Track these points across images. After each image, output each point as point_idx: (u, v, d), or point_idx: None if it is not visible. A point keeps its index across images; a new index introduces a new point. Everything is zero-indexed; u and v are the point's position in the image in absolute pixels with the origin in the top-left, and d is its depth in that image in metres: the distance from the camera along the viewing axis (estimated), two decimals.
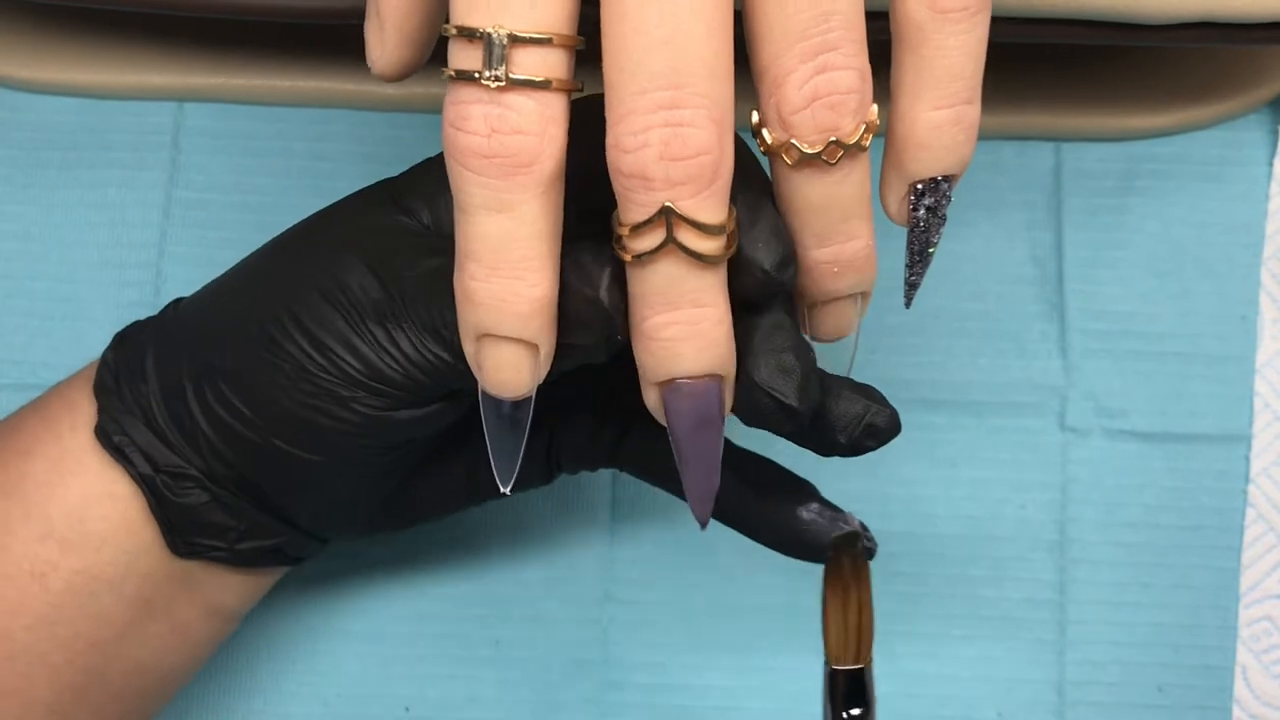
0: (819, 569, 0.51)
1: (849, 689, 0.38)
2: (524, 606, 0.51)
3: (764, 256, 0.34)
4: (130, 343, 0.41)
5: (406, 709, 0.51)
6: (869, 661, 0.38)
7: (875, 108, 0.32)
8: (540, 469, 0.44)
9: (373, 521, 0.43)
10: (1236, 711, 0.51)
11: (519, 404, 0.35)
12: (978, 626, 0.51)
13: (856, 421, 0.37)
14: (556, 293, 0.33)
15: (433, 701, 0.51)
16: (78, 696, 0.41)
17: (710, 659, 0.51)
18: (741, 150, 0.33)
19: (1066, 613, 0.51)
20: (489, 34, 0.31)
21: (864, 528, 0.41)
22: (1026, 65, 0.54)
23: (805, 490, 0.41)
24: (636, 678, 0.51)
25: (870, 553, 0.41)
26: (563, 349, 0.34)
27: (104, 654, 0.41)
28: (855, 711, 0.37)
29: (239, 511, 0.40)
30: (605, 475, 0.52)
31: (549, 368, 0.34)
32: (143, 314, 0.52)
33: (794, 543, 0.41)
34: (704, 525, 0.36)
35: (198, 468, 0.39)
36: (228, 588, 0.43)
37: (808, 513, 0.41)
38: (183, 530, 0.40)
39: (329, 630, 0.51)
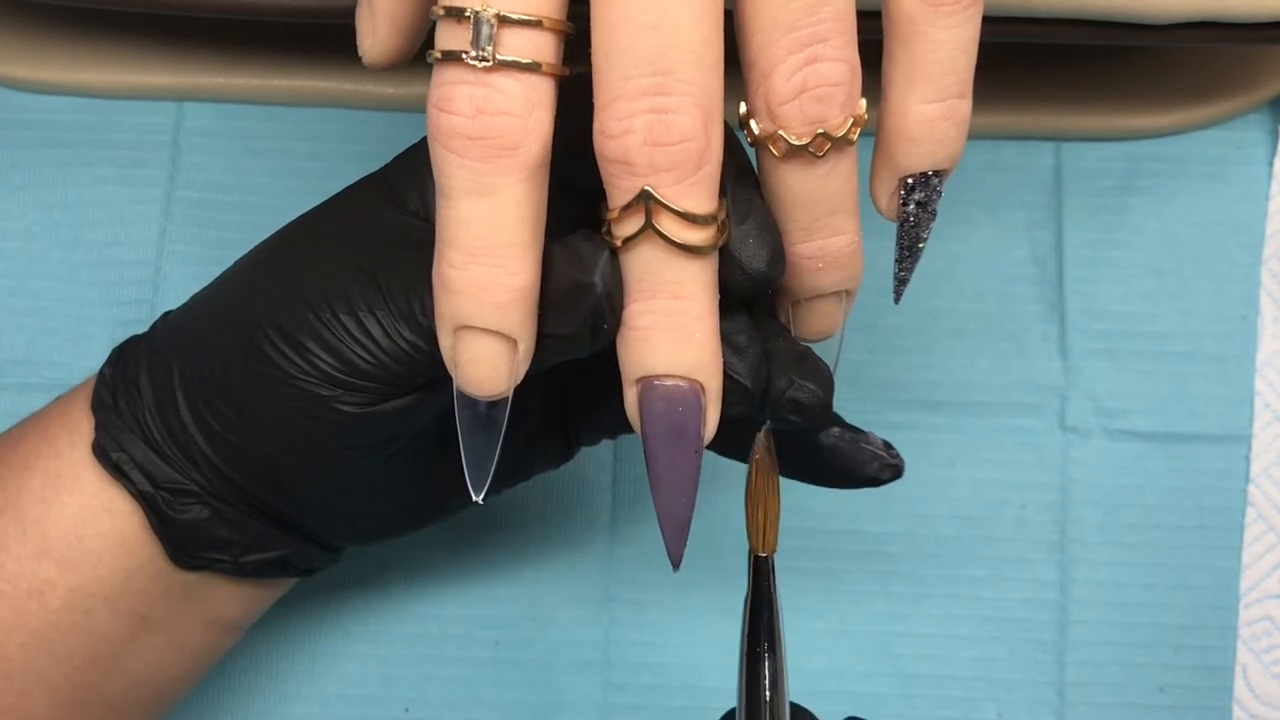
0: (818, 570, 0.51)
1: (768, 574, 0.38)
2: (524, 606, 0.51)
3: (753, 253, 0.34)
4: (127, 358, 0.40)
5: (406, 709, 0.51)
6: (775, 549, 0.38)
7: (863, 101, 0.32)
8: (558, 445, 0.44)
9: (377, 526, 0.43)
10: (1236, 711, 0.50)
11: (495, 404, 0.34)
12: (978, 626, 0.51)
13: (780, 395, 0.37)
14: (538, 284, 0.33)
15: (433, 702, 0.51)
16: (75, 711, 0.41)
17: (710, 659, 0.51)
18: (733, 144, 0.33)
19: (1066, 613, 0.51)
20: (477, 13, 0.31)
21: (888, 446, 0.40)
22: (1026, 65, 0.54)
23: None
24: (637, 678, 0.51)
25: (898, 470, 0.40)
26: (546, 341, 0.34)
27: (101, 669, 0.41)
28: (771, 595, 0.37)
29: (242, 525, 0.40)
30: (605, 477, 0.52)
31: (527, 366, 0.34)
32: (143, 312, 0.52)
33: (818, 470, 0.41)
34: (676, 564, 0.35)
35: (197, 483, 0.39)
36: (231, 600, 0.42)
37: (829, 438, 0.40)
38: (186, 545, 0.40)
39: (328, 630, 0.51)
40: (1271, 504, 0.52)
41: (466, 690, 0.51)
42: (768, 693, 0.38)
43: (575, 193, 0.34)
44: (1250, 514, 0.52)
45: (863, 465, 0.40)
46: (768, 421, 0.37)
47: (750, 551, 0.39)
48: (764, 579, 0.38)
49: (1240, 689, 0.51)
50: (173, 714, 0.46)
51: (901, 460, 0.40)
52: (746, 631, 0.38)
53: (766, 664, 0.38)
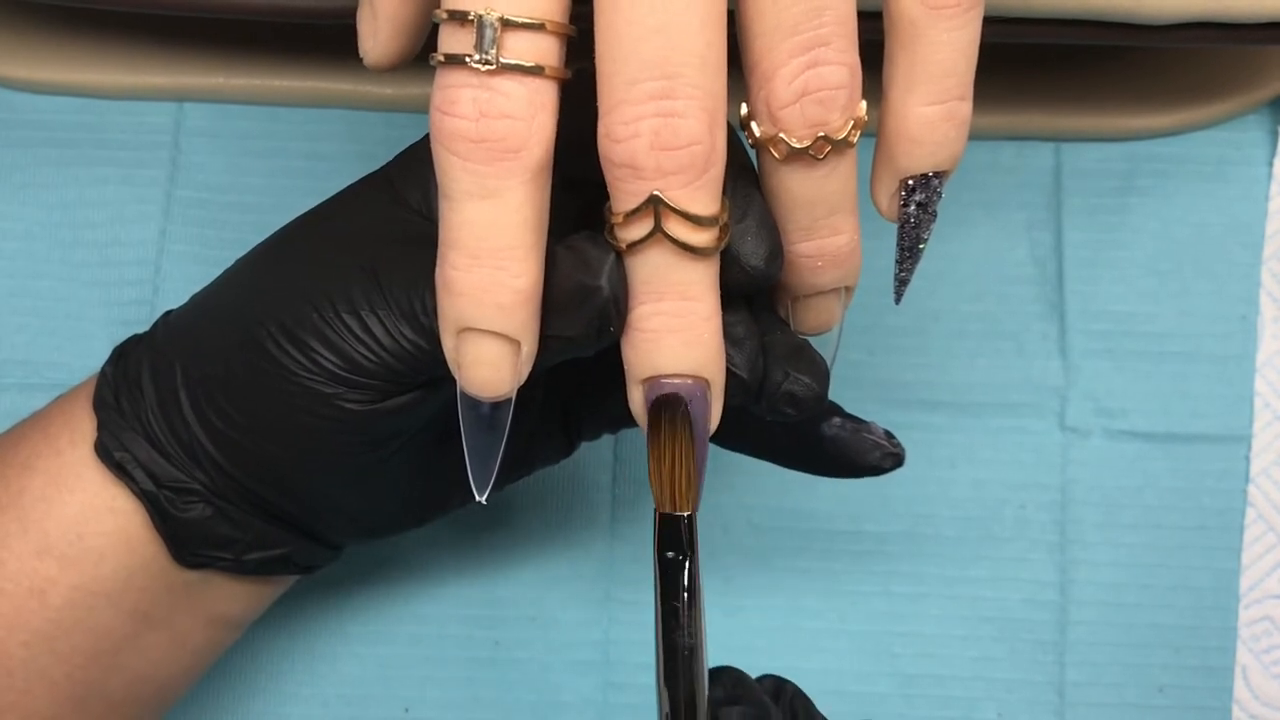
0: (818, 570, 0.51)
1: (672, 533, 0.37)
2: (524, 606, 0.51)
3: (752, 250, 0.34)
4: (128, 358, 0.40)
5: (406, 709, 0.51)
6: (692, 510, 0.37)
7: (864, 104, 0.32)
8: (559, 441, 0.44)
9: (379, 523, 0.43)
10: (1236, 711, 0.50)
11: (498, 405, 0.34)
12: (978, 626, 0.51)
13: (775, 388, 0.37)
14: (541, 285, 0.33)
15: (433, 702, 0.51)
16: (77, 709, 0.41)
17: (711, 659, 0.51)
18: (732, 142, 0.33)
19: (1066, 613, 0.51)
20: (481, 17, 0.31)
21: (889, 435, 0.41)
22: (1026, 65, 0.54)
23: (826, 408, 0.40)
24: (637, 678, 0.51)
25: (899, 458, 0.41)
26: (550, 342, 0.34)
27: (103, 667, 0.41)
28: (669, 554, 0.37)
29: (244, 523, 0.40)
30: (606, 477, 0.52)
31: (530, 367, 0.34)
32: (143, 312, 0.52)
33: (821, 460, 0.41)
34: None
35: (200, 481, 0.39)
36: (233, 597, 0.42)
37: (830, 428, 0.40)
38: (188, 543, 0.40)
39: (328, 631, 0.51)
40: (1271, 504, 0.52)
41: (466, 690, 0.51)
42: (687, 648, 0.38)
43: (576, 188, 0.34)
44: (1250, 514, 0.52)
45: (864, 454, 0.41)
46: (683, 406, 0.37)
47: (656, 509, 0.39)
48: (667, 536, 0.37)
49: (1240, 689, 0.51)
50: (172, 714, 0.46)
51: (903, 449, 0.41)
52: (660, 589, 0.38)
53: (684, 616, 0.38)
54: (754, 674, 0.51)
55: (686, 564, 0.36)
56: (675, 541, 0.36)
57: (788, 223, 0.34)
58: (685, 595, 0.37)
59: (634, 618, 0.51)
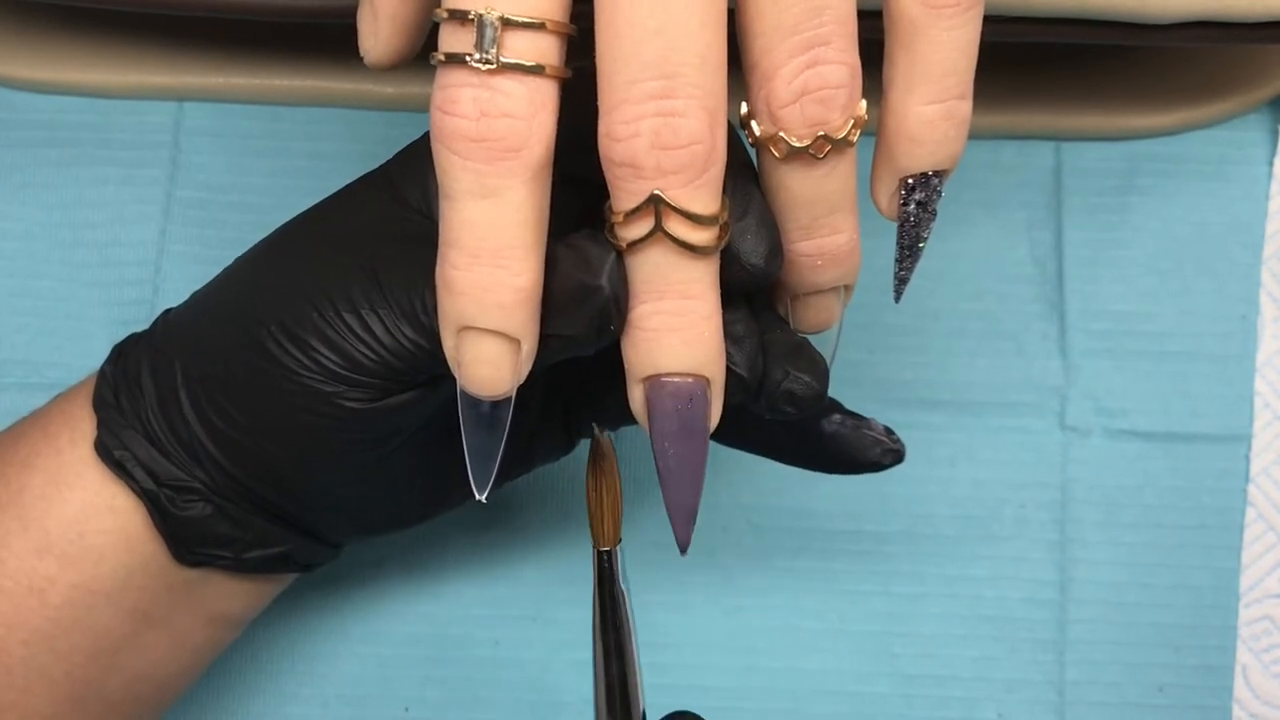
0: (818, 570, 0.51)
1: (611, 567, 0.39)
2: (524, 606, 0.51)
3: (752, 248, 0.34)
4: (128, 356, 0.40)
5: (406, 709, 0.51)
6: (611, 546, 0.39)
7: (864, 103, 0.33)
8: (559, 438, 0.44)
9: (379, 521, 0.43)
10: (1237, 711, 0.50)
11: (498, 404, 0.34)
12: (978, 626, 0.51)
13: (775, 386, 0.37)
14: (541, 284, 0.33)
15: (432, 702, 0.51)
16: (76, 708, 0.41)
17: (711, 659, 0.51)
18: (732, 141, 0.33)
19: (1066, 613, 0.51)
20: (481, 16, 0.31)
21: (889, 431, 0.41)
22: (1026, 65, 0.54)
23: (826, 405, 0.40)
24: None
25: (899, 455, 0.41)
26: (550, 341, 0.34)
27: (102, 665, 0.41)
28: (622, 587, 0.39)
29: (244, 521, 0.40)
30: None
31: (530, 366, 0.34)
32: (143, 312, 0.52)
33: (821, 457, 0.41)
34: (684, 549, 0.36)
35: (200, 480, 0.39)
36: (232, 596, 0.42)
37: (830, 425, 0.41)
38: (188, 542, 0.40)
39: (328, 631, 0.51)
40: (1271, 504, 0.52)
41: (466, 690, 0.51)
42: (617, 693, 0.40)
43: (576, 187, 0.34)
44: (1250, 514, 0.52)
45: (864, 451, 0.41)
46: (595, 426, 0.39)
47: (593, 547, 0.40)
48: (605, 573, 0.39)
49: (1240, 689, 0.51)
50: (172, 714, 0.46)
51: (903, 445, 0.41)
52: (597, 627, 0.40)
53: (615, 663, 0.40)
54: (754, 674, 0.51)
55: (612, 593, 0.39)
56: (603, 573, 0.39)
57: (787, 221, 0.35)
58: (599, 622, 0.40)
59: (634, 618, 0.51)
